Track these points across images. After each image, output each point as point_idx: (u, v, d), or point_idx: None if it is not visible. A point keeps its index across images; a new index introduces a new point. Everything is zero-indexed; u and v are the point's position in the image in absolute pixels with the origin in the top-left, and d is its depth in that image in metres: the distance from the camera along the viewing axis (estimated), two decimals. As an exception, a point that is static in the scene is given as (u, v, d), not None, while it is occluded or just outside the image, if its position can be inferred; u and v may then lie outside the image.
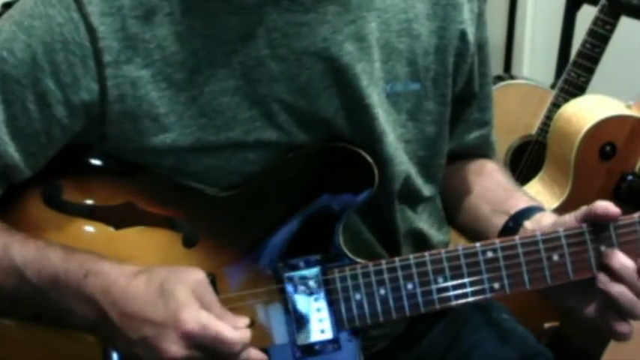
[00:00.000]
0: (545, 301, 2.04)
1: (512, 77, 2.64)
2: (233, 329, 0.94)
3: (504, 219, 1.16)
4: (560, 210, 1.95)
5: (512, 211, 1.16)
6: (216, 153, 1.03)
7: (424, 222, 1.22)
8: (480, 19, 1.18)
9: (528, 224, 1.12)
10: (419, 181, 1.18)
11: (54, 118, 0.99)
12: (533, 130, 2.38)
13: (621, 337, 1.02)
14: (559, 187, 2.09)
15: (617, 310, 1.01)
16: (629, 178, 2.03)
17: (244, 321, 0.97)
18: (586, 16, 2.35)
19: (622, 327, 1.01)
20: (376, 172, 1.05)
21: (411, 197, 1.18)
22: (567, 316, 2.07)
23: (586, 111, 2.06)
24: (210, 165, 1.04)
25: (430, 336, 1.25)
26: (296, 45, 1.02)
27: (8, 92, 0.98)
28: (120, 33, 0.98)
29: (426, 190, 1.20)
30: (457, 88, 1.18)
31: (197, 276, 0.97)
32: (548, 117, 2.28)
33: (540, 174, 2.19)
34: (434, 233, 1.23)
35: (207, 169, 1.04)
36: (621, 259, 1.00)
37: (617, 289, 1.00)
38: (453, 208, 1.28)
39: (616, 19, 2.17)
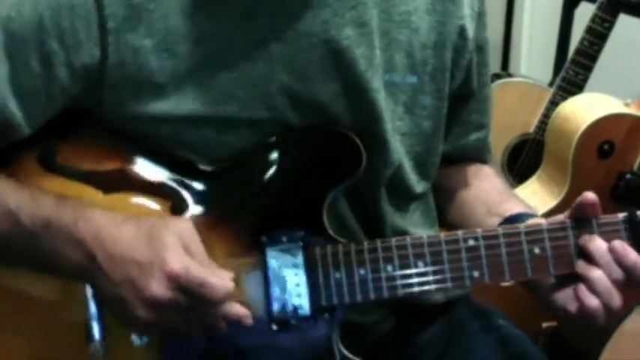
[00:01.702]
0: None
1: (509, 75, 2.64)
2: (217, 276, 0.96)
3: (497, 221, 1.16)
4: (558, 209, 1.94)
5: (507, 215, 1.16)
6: (209, 125, 1.05)
7: (414, 221, 1.22)
8: (480, 18, 1.19)
9: None
10: (413, 177, 1.18)
11: (55, 79, 1.01)
12: (531, 129, 2.37)
13: (591, 313, 1.02)
14: (557, 186, 2.09)
15: (596, 296, 1.01)
16: (628, 176, 2.03)
17: (229, 274, 0.98)
18: (584, 13, 2.35)
19: (591, 301, 1.01)
20: (364, 155, 1.06)
21: (404, 193, 1.18)
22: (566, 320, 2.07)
23: (584, 109, 2.06)
24: (204, 137, 1.05)
25: (423, 340, 1.25)
26: (297, 26, 1.04)
27: (14, 50, 1.01)
28: (125, 1, 1.00)
29: (419, 187, 1.20)
30: (454, 85, 1.19)
31: (185, 225, 0.99)
32: (546, 115, 2.28)
33: (538, 172, 2.19)
34: (421, 233, 1.21)
35: (201, 141, 1.05)
36: (598, 242, 1.02)
37: (595, 274, 1.01)
38: (447, 206, 1.29)
39: (614, 16, 2.17)
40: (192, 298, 0.95)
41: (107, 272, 0.97)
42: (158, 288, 0.95)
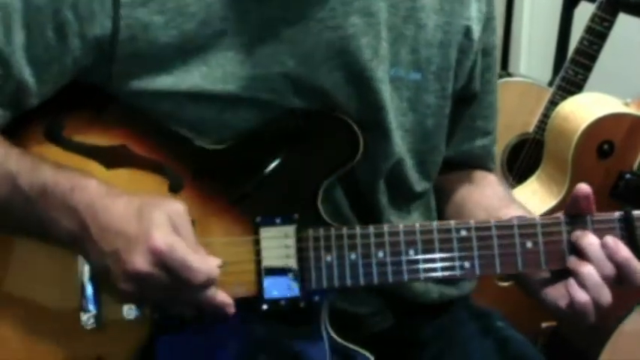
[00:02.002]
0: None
1: (509, 75, 2.63)
2: (201, 260, 0.97)
3: None
4: (558, 209, 1.94)
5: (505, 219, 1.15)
6: (211, 104, 1.06)
7: (412, 221, 1.20)
8: (489, 23, 1.21)
9: None
10: (413, 175, 1.18)
11: (68, 49, 1.04)
12: (531, 128, 2.37)
13: (580, 308, 1.01)
14: (556, 186, 2.09)
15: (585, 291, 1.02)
16: (627, 176, 2.03)
17: (216, 260, 0.99)
18: (584, 12, 2.35)
19: (580, 295, 1.01)
20: (362, 142, 1.07)
21: (404, 191, 1.19)
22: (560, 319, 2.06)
23: (584, 109, 2.06)
24: (205, 115, 1.07)
25: (421, 339, 1.25)
26: (307, 12, 1.06)
27: (30, 18, 1.03)
28: None
29: (420, 186, 1.20)
30: (458, 85, 1.19)
31: (177, 207, 1.00)
32: (546, 115, 2.28)
33: (538, 172, 2.19)
34: None
35: (201, 119, 1.07)
36: (590, 238, 1.02)
37: (586, 269, 1.01)
38: (447, 209, 1.29)
39: (614, 16, 2.16)
40: (173, 277, 0.96)
41: (97, 242, 0.99)
42: (140, 262, 0.96)
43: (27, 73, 1.04)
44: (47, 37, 1.03)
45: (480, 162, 1.31)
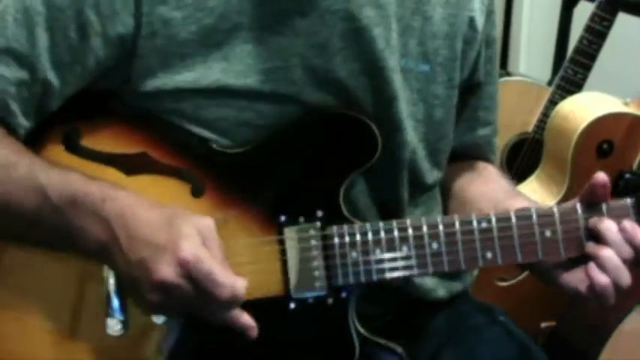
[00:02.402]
0: (542, 301, 2.04)
1: (508, 74, 2.63)
2: (228, 276, 0.97)
3: None
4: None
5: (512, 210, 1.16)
6: (232, 100, 1.08)
7: (421, 214, 1.23)
8: (489, 16, 1.24)
9: None
10: (425, 166, 1.20)
11: (91, 49, 1.05)
12: (530, 128, 2.37)
13: (601, 291, 1.04)
14: (556, 186, 2.09)
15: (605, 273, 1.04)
16: (627, 176, 2.02)
17: (242, 281, 0.98)
18: (583, 12, 2.35)
19: (600, 278, 1.04)
20: (380, 141, 1.09)
21: (416, 183, 1.20)
22: (564, 315, 2.06)
23: (583, 108, 2.05)
24: (226, 114, 1.08)
25: (425, 331, 1.26)
26: (320, 3, 1.08)
27: (52, 20, 1.04)
28: None
29: (431, 176, 1.22)
30: (464, 75, 1.22)
31: (206, 221, 1.00)
32: (545, 114, 2.27)
33: (537, 172, 2.18)
34: None
35: (222, 118, 1.08)
36: (608, 223, 1.04)
37: (605, 252, 1.04)
38: (451, 202, 1.30)
39: (613, 15, 2.16)
40: (198, 289, 0.96)
41: (125, 252, 0.99)
42: (167, 272, 0.96)
43: (52, 76, 1.05)
44: (70, 39, 1.04)
45: (481, 152, 1.32)
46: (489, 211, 1.18)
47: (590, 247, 1.06)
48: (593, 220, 1.06)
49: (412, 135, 1.16)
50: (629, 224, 1.04)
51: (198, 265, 0.96)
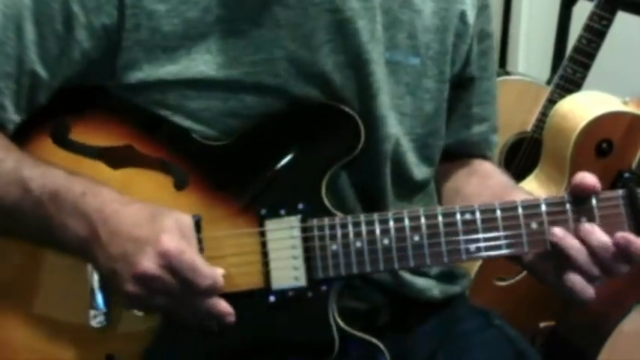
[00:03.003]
0: (541, 300, 2.03)
1: (507, 73, 2.62)
2: (208, 266, 0.99)
3: None
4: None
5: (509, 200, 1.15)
6: (216, 91, 1.08)
7: None
8: (483, 11, 1.23)
9: None
10: (412, 160, 1.19)
11: (76, 42, 1.06)
12: (529, 127, 2.37)
13: (582, 299, 1.03)
14: (555, 185, 2.08)
15: (574, 267, 1.02)
16: (626, 175, 2.02)
17: (220, 270, 1.01)
18: (582, 11, 2.34)
19: (585, 290, 1.02)
20: (363, 132, 1.08)
21: (405, 178, 1.19)
22: (563, 315, 2.06)
23: (582, 107, 2.05)
24: (210, 105, 1.08)
25: (420, 335, 1.25)
26: None
27: (39, 13, 1.05)
28: None
29: (420, 171, 1.21)
30: (455, 69, 1.21)
31: (184, 218, 1.02)
32: (544, 113, 2.27)
33: (536, 171, 2.18)
34: None
35: (207, 109, 1.09)
36: (598, 235, 1.01)
37: (572, 245, 1.02)
38: (451, 201, 1.28)
39: (613, 14, 2.15)
40: (179, 280, 0.98)
41: (106, 247, 1.00)
42: (148, 263, 0.97)
43: (39, 68, 1.07)
44: (57, 31, 1.06)
45: (477, 149, 1.31)
46: None
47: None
48: (557, 235, 1.02)
49: (397, 128, 1.15)
50: (588, 226, 1.02)
51: (180, 256, 0.97)
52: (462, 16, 1.19)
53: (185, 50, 1.07)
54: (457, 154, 1.30)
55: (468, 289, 1.33)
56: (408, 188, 1.21)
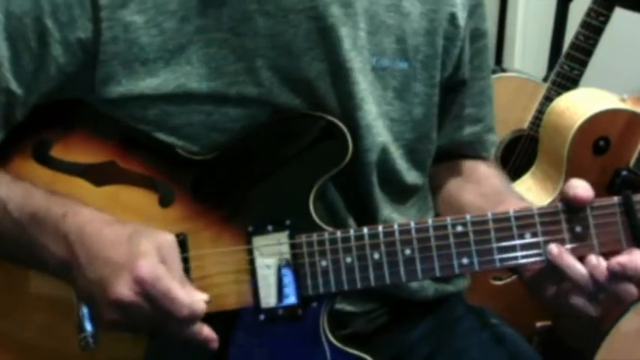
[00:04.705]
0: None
1: (503, 70, 2.62)
2: (186, 293, 0.95)
3: None
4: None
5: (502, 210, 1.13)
6: (197, 104, 1.06)
7: (411, 217, 1.20)
8: (475, 10, 1.20)
9: None
10: (402, 165, 1.17)
11: (52, 57, 1.04)
12: (525, 125, 2.36)
13: (588, 316, 1.01)
14: (551, 183, 2.08)
15: (577, 289, 0.99)
16: (624, 173, 2.02)
17: (202, 295, 0.97)
18: (579, 7, 2.33)
19: (588, 309, 1.00)
20: (351, 143, 1.06)
21: (395, 184, 1.18)
22: (560, 315, 2.06)
23: (579, 105, 2.05)
24: (192, 119, 1.07)
25: (415, 336, 1.24)
26: (284, 2, 1.06)
27: (12, 29, 1.03)
28: None
29: (410, 176, 1.19)
30: (446, 73, 1.19)
31: (166, 237, 0.99)
32: (541, 111, 2.26)
33: (532, 169, 2.18)
34: None
35: (189, 124, 1.07)
36: (567, 259, 0.98)
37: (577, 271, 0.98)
38: (443, 207, 1.28)
39: (610, 10, 2.15)
40: (156, 308, 0.95)
41: (84, 269, 0.98)
42: (122, 290, 0.95)
43: (14, 86, 1.04)
44: (31, 48, 1.03)
45: (471, 151, 1.29)
46: None
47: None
48: (553, 254, 0.99)
49: (385, 135, 1.13)
50: (594, 259, 0.98)
51: (155, 284, 0.94)
52: (452, 18, 1.16)
53: (164, 62, 1.04)
54: (451, 156, 1.28)
55: (465, 288, 1.31)
56: (400, 193, 1.19)
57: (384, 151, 1.14)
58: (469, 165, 1.28)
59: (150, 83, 1.04)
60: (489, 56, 1.25)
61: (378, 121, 1.12)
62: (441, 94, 1.18)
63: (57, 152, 1.07)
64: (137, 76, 1.04)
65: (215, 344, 0.99)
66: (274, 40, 1.06)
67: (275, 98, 1.07)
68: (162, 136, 1.07)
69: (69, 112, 1.08)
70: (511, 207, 1.10)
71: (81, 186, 1.06)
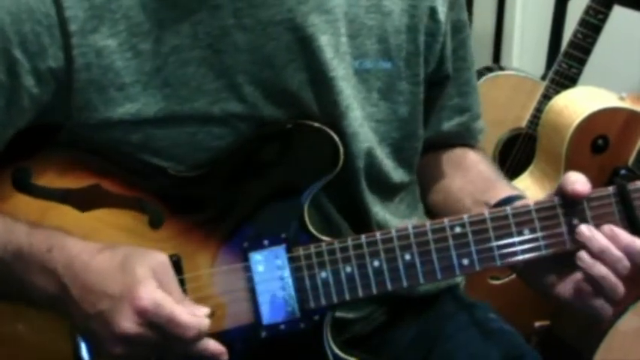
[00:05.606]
0: (536, 299, 2.00)
1: (501, 68, 2.61)
2: (189, 314, 0.94)
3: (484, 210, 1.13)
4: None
5: (493, 202, 1.14)
6: (181, 126, 1.04)
7: (400, 213, 1.20)
8: (456, 1, 1.18)
9: None
10: (388, 164, 1.17)
11: (23, 88, 1.01)
12: (523, 123, 2.35)
13: (601, 319, 1.01)
14: (549, 182, 2.08)
15: (597, 291, 0.99)
16: (622, 172, 2.02)
17: (204, 310, 0.96)
18: (578, 5, 2.33)
19: (604, 310, 1.00)
20: (342, 150, 1.05)
21: (382, 182, 1.17)
22: (558, 314, 2.06)
23: (578, 103, 2.04)
24: (177, 140, 1.04)
25: (411, 333, 1.24)
26: (262, 15, 1.03)
27: None
28: (85, 3, 1.00)
29: (397, 174, 1.18)
30: (429, 69, 1.17)
31: (159, 258, 0.98)
32: (539, 109, 2.26)
33: (530, 168, 2.17)
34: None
35: (174, 145, 1.04)
36: (600, 241, 0.98)
37: (600, 271, 0.98)
38: (431, 197, 1.27)
39: (608, 8, 2.14)
40: (162, 334, 0.94)
41: (79, 304, 0.96)
42: (126, 324, 0.93)
43: None
44: (1, 80, 1.00)
45: (460, 140, 1.29)
46: (470, 206, 1.17)
47: (583, 261, 0.99)
48: (580, 231, 0.99)
49: (371, 139, 1.12)
50: (607, 229, 0.99)
51: (158, 312, 0.93)
52: (433, 12, 1.14)
53: (142, 86, 1.02)
54: (440, 145, 1.27)
55: (462, 284, 1.31)
56: (388, 192, 1.19)
57: (370, 155, 1.13)
58: (458, 153, 1.28)
59: (129, 109, 1.02)
60: (472, 46, 1.24)
61: (363, 126, 1.11)
62: (425, 90, 1.17)
63: (38, 179, 1.05)
64: (115, 102, 1.02)
65: (225, 356, 0.98)
66: (254, 55, 1.04)
67: (259, 112, 1.05)
68: (146, 157, 1.05)
69: (49, 136, 1.05)
70: (501, 192, 1.12)
71: (65, 212, 1.04)
